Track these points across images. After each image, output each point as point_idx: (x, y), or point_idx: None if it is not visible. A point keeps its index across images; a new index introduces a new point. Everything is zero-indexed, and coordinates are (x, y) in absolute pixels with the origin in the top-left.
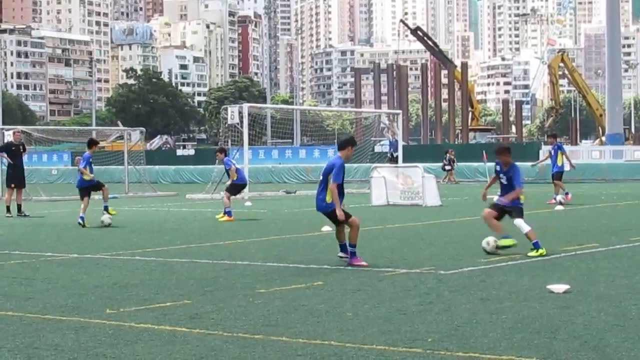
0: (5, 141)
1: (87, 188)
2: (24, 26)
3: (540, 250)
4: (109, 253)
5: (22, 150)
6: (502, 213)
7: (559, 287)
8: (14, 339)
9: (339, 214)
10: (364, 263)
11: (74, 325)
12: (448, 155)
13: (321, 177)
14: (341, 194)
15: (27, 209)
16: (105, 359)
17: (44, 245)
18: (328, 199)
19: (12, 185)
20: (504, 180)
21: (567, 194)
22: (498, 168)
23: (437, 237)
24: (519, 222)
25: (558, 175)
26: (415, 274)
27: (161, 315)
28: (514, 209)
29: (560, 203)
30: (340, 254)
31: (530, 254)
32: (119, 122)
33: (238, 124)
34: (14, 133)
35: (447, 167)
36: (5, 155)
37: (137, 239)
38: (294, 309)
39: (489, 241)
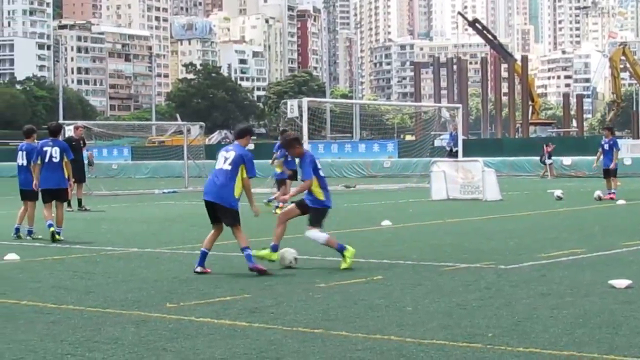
0: (66, 136)
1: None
2: (84, 22)
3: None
4: (169, 247)
5: (82, 145)
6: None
7: (621, 283)
8: (75, 332)
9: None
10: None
11: (134, 319)
12: (546, 148)
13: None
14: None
15: (87, 204)
16: (165, 353)
17: (105, 240)
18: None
19: (73, 180)
20: None
21: (610, 193)
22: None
23: (497, 232)
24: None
25: (614, 171)
26: (475, 268)
27: (221, 309)
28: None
29: (599, 198)
30: (198, 269)
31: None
32: (177, 116)
33: (297, 118)
34: (75, 128)
35: (548, 161)
36: None
37: (196, 233)
38: (353, 303)
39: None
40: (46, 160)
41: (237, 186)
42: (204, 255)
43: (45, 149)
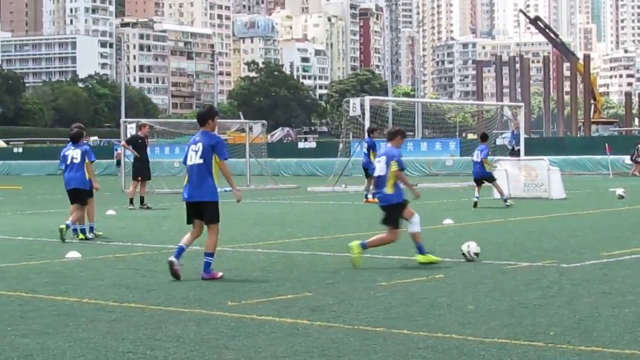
0: (131, 134)
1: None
2: (147, 20)
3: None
4: (231, 245)
5: (147, 143)
6: None
7: None
8: (137, 330)
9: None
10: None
11: (195, 317)
12: (639, 146)
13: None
14: None
15: (149, 202)
16: (227, 351)
17: (166, 238)
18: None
19: (139, 178)
20: None
21: None
22: None
23: (559, 230)
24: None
25: None
26: (537, 267)
27: (282, 308)
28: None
29: None
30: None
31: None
32: (240, 114)
33: (360, 116)
34: (142, 126)
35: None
36: (131, 148)
37: (258, 231)
38: (415, 301)
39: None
40: (68, 162)
41: (215, 174)
42: (181, 250)
43: (67, 153)
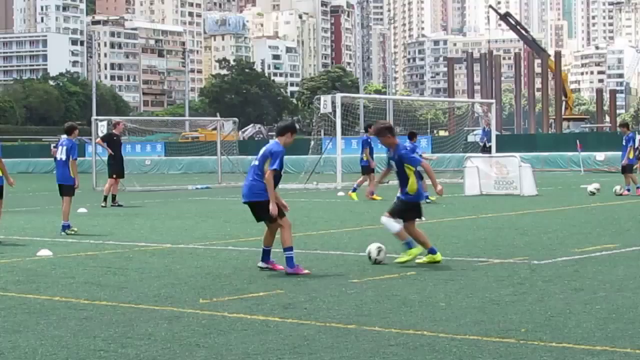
0: (102, 132)
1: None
2: (118, 17)
3: (414, 250)
4: (203, 243)
5: (121, 141)
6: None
7: None
8: (108, 328)
9: (272, 208)
10: (306, 271)
11: (167, 314)
12: None
13: (256, 163)
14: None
15: (120, 199)
16: (198, 349)
17: (138, 235)
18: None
19: (114, 176)
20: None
21: (628, 189)
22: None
23: (531, 227)
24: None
25: (629, 167)
26: (508, 263)
27: (254, 305)
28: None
29: (620, 195)
30: (261, 264)
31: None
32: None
33: (331, 113)
34: (116, 124)
35: None
36: (106, 145)
37: (230, 228)
38: (386, 298)
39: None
40: (57, 157)
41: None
42: (266, 253)
43: (59, 147)
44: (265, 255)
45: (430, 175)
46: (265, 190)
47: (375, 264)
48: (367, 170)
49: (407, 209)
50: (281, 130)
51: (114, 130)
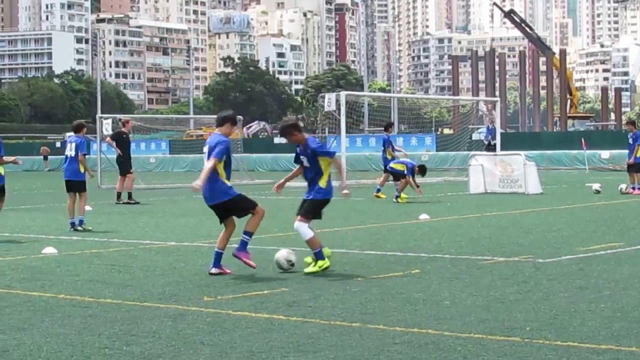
0: (106, 130)
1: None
2: (122, 15)
3: (321, 262)
4: (207, 241)
5: (130, 139)
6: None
7: None
8: (113, 325)
9: (196, 184)
10: (251, 263)
11: (171, 312)
12: None
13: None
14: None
15: (124, 197)
16: (203, 347)
17: (142, 233)
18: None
19: (127, 173)
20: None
21: (634, 188)
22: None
23: (536, 225)
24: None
25: (636, 166)
26: (513, 262)
27: (258, 303)
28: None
29: (625, 193)
30: (213, 270)
31: (309, 269)
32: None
33: (335, 111)
34: (126, 122)
35: None
36: (115, 144)
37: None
38: (391, 297)
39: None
40: (66, 154)
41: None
42: (218, 257)
43: (68, 144)
44: (217, 260)
45: (340, 172)
46: (228, 189)
47: (290, 268)
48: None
49: (321, 207)
50: (220, 121)
51: (122, 129)
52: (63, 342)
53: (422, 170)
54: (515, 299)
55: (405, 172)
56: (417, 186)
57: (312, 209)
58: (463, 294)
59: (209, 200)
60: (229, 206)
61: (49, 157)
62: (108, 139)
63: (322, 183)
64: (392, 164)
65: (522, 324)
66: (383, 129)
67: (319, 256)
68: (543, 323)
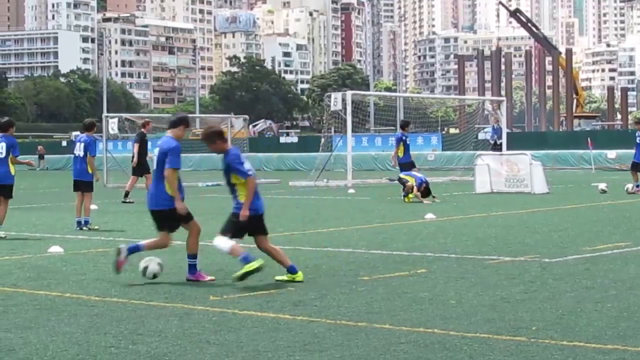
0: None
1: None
2: (128, 15)
3: (249, 266)
4: (212, 240)
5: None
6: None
7: None
8: (119, 324)
9: (180, 206)
10: (209, 278)
11: (177, 311)
12: None
13: (155, 166)
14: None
15: (131, 197)
16: (209, 346)
17: (148, 232)
18: (169, 190)
19: (142, 174)
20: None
21: (638, 186)
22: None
23: (542, 225)
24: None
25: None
26: (519, 261)
27: (264, 302)
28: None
29: (632, 193)
30: (189, 276)
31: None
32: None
33: (341, 111)
34: (146, 123)
35: None
36: (137, 147)
37: None
38: (397, 296)
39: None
40: (75, 154)
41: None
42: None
43: (77, 144)
44: (192, 267)
45: (247, 197)
46: (168, 199)
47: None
48: (408, 167)
49: (240, 223)
50: (174, 123)
51: (143, 130)
52: (69, 341)
53: (426, 193)
54: (521, 298)
55: (414, 184)
56: (422, 198)
57: (230, 225)
58: (469, 293)
59: (148, 204)
60: (161, 216)
61: (45, 156)
62: (136, 147)
63: (241, 197)
64: (402, 175)
65: (528, 323)
66: (399, 127)
67: (245, 260)
68: (549, 323)
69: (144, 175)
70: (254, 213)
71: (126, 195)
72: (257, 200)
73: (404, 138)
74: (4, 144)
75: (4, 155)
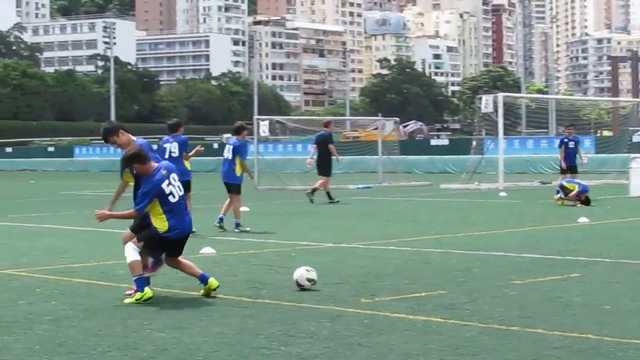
0: (263, 131)
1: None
2: (279, 18)
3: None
4: (364, 242)
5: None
6: None
7: None
8: (270, 326)
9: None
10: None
11: (329, 313)
12: None
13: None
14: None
15: (278, 197)
16: (360, 348)
17: (299, 234)
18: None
19: (329, 174)
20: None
21: None
22: None
23: None
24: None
25: None
26: None
27: (415, 305)
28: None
29: None
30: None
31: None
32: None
33: (492, 113)
34: (328, 123)
35: None
36: (316, 148)
37: (391, 228)
38: (549, 300)
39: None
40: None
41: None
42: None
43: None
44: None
45: (119, 216)
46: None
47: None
48: (570, 169)
49: (155, 241)
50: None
51: (325, 129)
52: (221, 342)
53: (586, 202)
54: None
55: (575, 190)
56: (577, 202)
57: (146, 236)
58: (624, 298)
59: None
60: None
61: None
62: (332, 146)
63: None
64: (564, 183)
65: None
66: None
67: (138, 285)
68: None
69: (329, 175)
70: (179, 234)
71: (329, 195)
72: (182, 220)
73: (565, 140)
74: (176, 144)
75: (177, 154)
